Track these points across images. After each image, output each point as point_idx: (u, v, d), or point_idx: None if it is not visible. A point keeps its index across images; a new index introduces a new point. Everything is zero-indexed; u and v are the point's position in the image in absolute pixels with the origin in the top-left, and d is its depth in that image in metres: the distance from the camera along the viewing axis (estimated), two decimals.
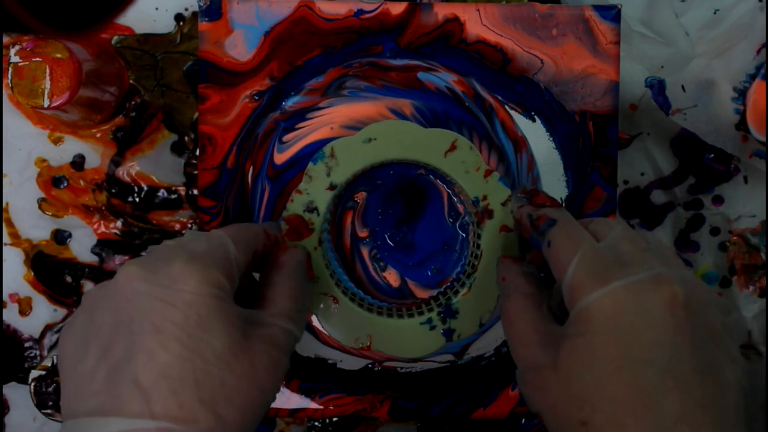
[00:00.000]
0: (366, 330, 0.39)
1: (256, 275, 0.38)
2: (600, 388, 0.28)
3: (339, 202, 0.42)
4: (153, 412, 0.26)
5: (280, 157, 0.42)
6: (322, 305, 0.39)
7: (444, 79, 0.42)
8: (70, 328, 0.30)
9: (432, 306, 0.40)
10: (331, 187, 0.38)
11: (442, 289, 0.42)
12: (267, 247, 0.35)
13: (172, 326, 0.28)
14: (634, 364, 0.28)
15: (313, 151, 0.42)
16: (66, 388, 0.29)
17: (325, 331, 0.40)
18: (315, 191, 0.38)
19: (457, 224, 0.43)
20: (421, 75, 0.42)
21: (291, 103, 0.42)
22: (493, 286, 0.39)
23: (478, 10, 0.42)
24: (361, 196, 0.43)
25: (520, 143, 0.43)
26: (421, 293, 0.43)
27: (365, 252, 0.43)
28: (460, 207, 0.43)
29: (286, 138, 0.42)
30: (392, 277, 0.43)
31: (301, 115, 0.42)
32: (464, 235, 0.43)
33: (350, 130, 0.42)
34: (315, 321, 0.40)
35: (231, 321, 0.29)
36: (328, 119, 0.42)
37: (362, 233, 0.43)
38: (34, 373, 0.41)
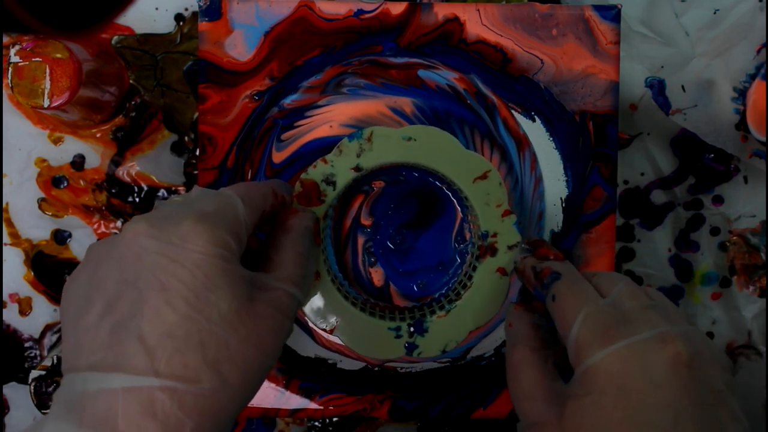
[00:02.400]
0: (335, 314, 0.39)
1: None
2: None
3: (355, 184, 0.42)
4: (157, 370, 0.26)
5: (278, 156, 0.42)
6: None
7: (445, 76, 0.42)
8: (73, 282, 0.29)
9: (405, 316, 0.40)
10: (357, 168, 0.38)
11: (419, 305, 0.42)
12: (274, 207, 0.34)
13: (179, 285, 0.27)
14: (639, 426, 0.28)
15: (312, 150, 0.42)
16: (67, 342, 0.28)
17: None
18: (340, 166, 0.38)
19: (459, 249, 0.43)
20: (421, 73, 0.42)
21: (289, 100, 0.42)
22: (468, 319, 0.39)
23: (478, 10, 0.42)
24: (378, 185, 0.43)
25: (523, 142, 0.43)
26: (399, 301, 0.43)
27: (360, 241, 0.43)
28: (468, 234, 0.43)
29: (284, 136, 0.42)
30: (378, 276, 0.43)
31: (299, 113, 0.42)
32: (461, 261, 0.43)
33: (350, 129, 0.42)
34: (311, 322, 0.40)
35: (237, 283, 0.29)
36: (327, 117, 0.42)
37: (366, 221, 0.43)
38: (34, 373, 0.41)
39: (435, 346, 0.39)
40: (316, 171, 0.38)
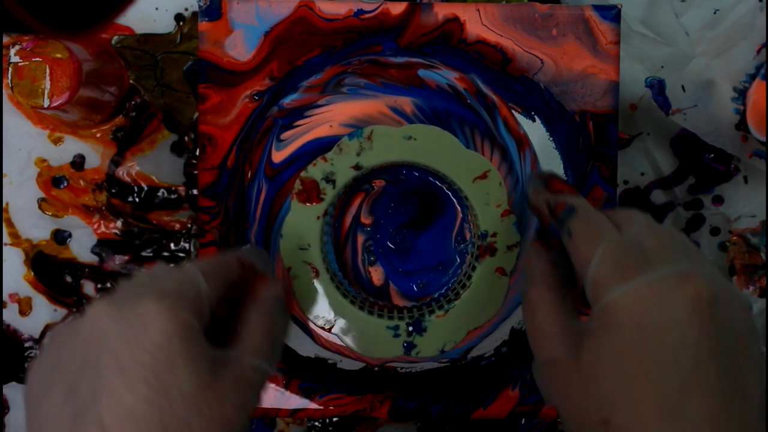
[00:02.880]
0: (333, 313, 0.39)
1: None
2: (623, 388, 0.28)
3: (355, 183, 0.42)
4: None
5: (278, 156, 0.42)
6: (306, 273, 0.39)
7: (445, 76, 0.42)
8: (36, 367, 0.29)
9: (404, 315, 0.40)
10: (357, 167, 0.38)
11: (418, 304, 0.42)
12: (242, 277, 0.34)
13: (138, 367, 0.27)
14: (659, 365, 0.27)
15: (312, 150, 0.42)
16: (30, 428, 0.28)
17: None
18: (339, 164, 0.38)
19: (459, 249, 0.43)
20: (421, 72, 0.42)
21: (289, 100, 0.42)
22: (466, 319, 0.39)
23: (478, 10, 0.42)
24: (379, 184, 0.43)
25: (523, 141, 0.43)
26: (399, 301, 0.43)
27: (360, 239, 0.43)
28: (468, 234, 0.42)
29: (284, 136, 0.42)
30: (377, 275, 0.43)
31: (299, 112, 0.42)
32: (460, 261, 0.43)
33: (350, 128, 0.42)
34: (312, 324, 0.40)
35: (199, 361, 0.28)
36: (327, 117, 0.42)
37: (366, 220, 0.43)
38: None
39: (433, 346, 0.39)
40: (316, 169, 0.38)
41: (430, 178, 0.42)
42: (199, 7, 0.42)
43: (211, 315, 0.31)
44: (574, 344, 0.30)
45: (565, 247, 0.32)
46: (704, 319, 0.28)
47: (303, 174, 0.38)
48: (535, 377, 0.32)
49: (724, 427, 0.26)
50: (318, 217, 0.38)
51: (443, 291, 0.42)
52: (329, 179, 0.38)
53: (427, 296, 0.43)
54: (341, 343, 0.40)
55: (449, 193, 0.42)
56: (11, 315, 0.47)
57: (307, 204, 0.38)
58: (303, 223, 0.39)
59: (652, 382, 0.27)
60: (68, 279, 0.47)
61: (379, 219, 0.43)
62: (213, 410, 0.28)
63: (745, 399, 0.27)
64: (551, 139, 0.43)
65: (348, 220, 0.43)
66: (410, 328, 0.39)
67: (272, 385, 0.43)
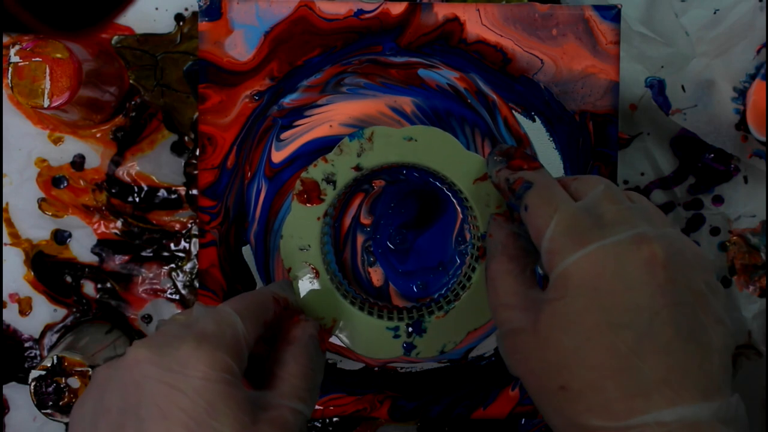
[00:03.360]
0: (333, 313, 0.39)
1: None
2: (578, 353, 0.28)
3: (355, 183, 0.42)
4: None
5: (277, 156, 0.42)
6: (306, 274, 0.39)
7: (445, 75, 0.42)
8: (80, 408, 0.30)
9: (404, 316, 0.40)
10: (357, 168, 0.38)
11: (418, 305, 0.42)
12: (277, 313, 0.34)
13: (179, 412, 0.28)
14: (613, 328, 0.27)
15: (312, 150, 0.42)
16: None
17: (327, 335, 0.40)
18: (340, 165, 0.38)
19: (459, 249, 0.43)
20: (421, 72, 0.42)
21: (289, 100, 0.42)
22: (466, 320, 0.39)
23: (478, 10, 0.42)
24: (379, 184, 0.43)
25: (524, 140, 0.43)
26: (398, 301, 0.43)
27: (360, 240, 0.43)
28: (468, 235, 0.42)
29: (284, 136, 0.42)
30: (377, 275, 0.43)
31: (299, 112, 0.42)
32: (460, 262, 0.43)
33: (350, 128, 0.42)
34: None
35: (239, 406, 0.29)
36: (327, 117, 0.42)
37: (366, 220, 0.43)
38: (34, 373, 0.41)
39: (433, 347, 0.39)
40: (317, 170, 0.38)
41: (430, 179, 0.42)
42: (199, 7, 0.42)
43: (249, 355, 0.31)
44: (533, 313, 0.30)
45: (524, 222, 0.32)
46: (658, 280, 0.28)
47: (303, 175, 0.38)
48: (499, 348, 0.32)
49: (681, 385, 0.27)
50: (318, 218, 0.38)
51: (443, 292, 0.42)
52: (330, 180, 0.38)
53: (426, 297, 0.43)
54: (341, 344, 0.40)
55: (449, 193, 0.42)
56: (11, 315, 0.47)
57: (308, 205, 0.38)
58: (303, 223, 0.39)
59: (607, 346, 0.27)
60: (68, 279, 0.47)
61: (378, 219, 0.43)
62: None
63: (707, 356, 0.27)
64: (551, 139, 0.43)
65: (347, 220, 0.43)
66: (410, 329, 0.39)
67: None
